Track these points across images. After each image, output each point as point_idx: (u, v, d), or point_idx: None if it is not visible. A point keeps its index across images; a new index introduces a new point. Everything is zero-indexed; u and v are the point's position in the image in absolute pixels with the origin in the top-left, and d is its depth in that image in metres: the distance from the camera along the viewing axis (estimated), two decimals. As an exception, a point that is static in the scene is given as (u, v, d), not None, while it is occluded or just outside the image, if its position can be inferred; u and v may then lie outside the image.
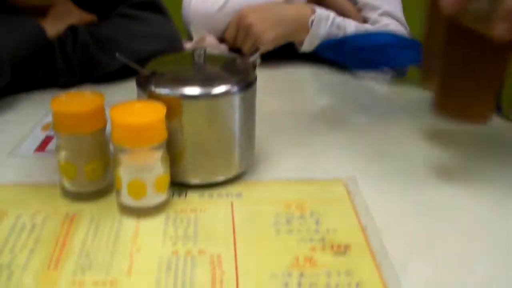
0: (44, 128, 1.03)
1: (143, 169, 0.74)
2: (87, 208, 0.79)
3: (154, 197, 0.76)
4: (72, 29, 1.17)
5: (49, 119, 0.94)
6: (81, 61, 1.17)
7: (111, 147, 0.76)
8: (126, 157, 0.73)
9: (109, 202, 0.80)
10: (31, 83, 1.15)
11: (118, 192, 0.76)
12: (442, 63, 0.81)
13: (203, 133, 0.79)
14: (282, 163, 0.91)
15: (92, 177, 0.79)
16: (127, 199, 0.75)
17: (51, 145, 0.95)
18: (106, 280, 0.66)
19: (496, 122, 1.04)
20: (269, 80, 1.23)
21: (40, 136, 1.00)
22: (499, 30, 0.67)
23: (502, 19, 0.66)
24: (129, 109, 0.74)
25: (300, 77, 1.35)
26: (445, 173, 0.86)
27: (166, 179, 0.76)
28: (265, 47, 1.34)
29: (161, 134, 0.73)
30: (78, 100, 0.79)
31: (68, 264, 0.68)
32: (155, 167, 0.74)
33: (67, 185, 0.80)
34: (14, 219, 0.76)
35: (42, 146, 0.96)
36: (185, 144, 0.79)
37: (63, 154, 0.78)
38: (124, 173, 0.74)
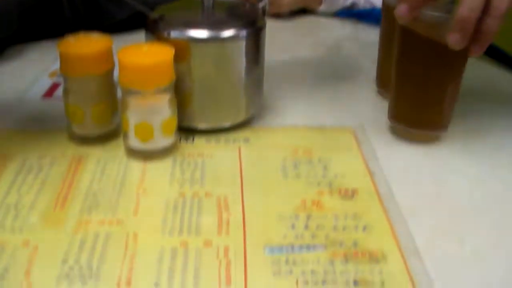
0: (52, 74, 1.03)
1: (150, 111, 0.74)
2: (94, 152, 0.79)
3: (161, 140, 0.76)
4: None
5: (56, 66, 0.93)
6: (89, 10, 1.16)
7: (119, 91, 0.75)
8: (133, 99, 0.73)
9: (116, 146, 0.80)
10: (39, 32, 1.14)
11: (126, 135, 0.76)
12: (396, 72, 0.80)
13: (211, 77, 0.78)
14: (290, 111, 0.91)
15: (99, 120, 0.79)
16: (134, 142, 0.75)
17: (59, 92, 0.94)
18: (112, 219, 0.66)
19: None
20: (280, 30, 1.24)
21: (48, 82, 1.00)
22: (452, 39, 0.68)
23: (454, 28, 0.66)
24: (137, 51, 0.74)
25: (311, 27, 1.33)
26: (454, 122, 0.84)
27: (174, 122, 0.76)
28: (280, 10, 1.31)
29: (169, 76, 0.73)
30: (86, 42, 0.78)
31: (75, 204, 0.68)
32: (162, 109, 0.74)
33: (75, 128, 0.80)
34: (21, 162, 0.76)
35: (49, 92, 0.95)
36: (193, 88, 0.79)
37: (70, 97, 0.77)
38: (132, 116, 0.74)
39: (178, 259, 0.60)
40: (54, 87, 0.98)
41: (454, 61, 0.76)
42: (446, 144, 0.83)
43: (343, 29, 1.33)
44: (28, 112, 0.89)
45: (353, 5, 1.37)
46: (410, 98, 0.80)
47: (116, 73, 0.74)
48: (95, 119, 0.78)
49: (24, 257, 0.60)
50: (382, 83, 0.94)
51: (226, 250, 0.61)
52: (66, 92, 0.77)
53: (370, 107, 0.93)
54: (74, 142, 0.80)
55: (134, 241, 0.63)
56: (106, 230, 0.64)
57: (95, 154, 0.78)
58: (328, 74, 1.06)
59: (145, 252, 0.61)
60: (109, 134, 0.81)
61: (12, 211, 0.67)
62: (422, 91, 0.79)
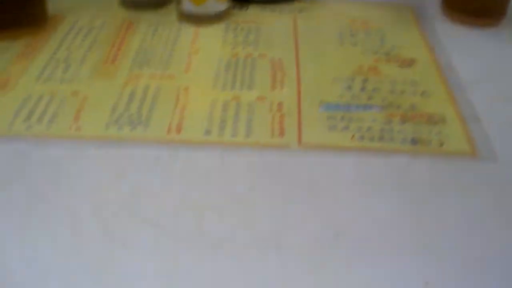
0: None
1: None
2: (146, 16, 0.77)
3: (215, 4, 0.74)
4: None
5: None
6: None
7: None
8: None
9: (168, 12, 0.78)
10: None
11: (179, -1, 0.71)
12: None
13: None
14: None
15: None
16: (188, 5, 0.74)
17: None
18: (163, 74, 0.65)
19: None
20: None
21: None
22: None
23: None
24: None
25: None
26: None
27: (228, -14, 0.72)
28: None
29: None
30: None
31: (126, 60, 0.68)
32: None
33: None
34: (72, 23, 0.75)
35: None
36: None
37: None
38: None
39: (230, 110, 0.59)
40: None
41: None
42: (505, 28, 0.78)
43: None
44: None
45: None
46: None
47: None
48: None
49: (74, 105, 0.60)
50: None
51: (280, 105, 0.60)
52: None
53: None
54: (126, 7, 0.79)
55: (185, 94, 0.62)
56: (157, 83, 0.63)
57: (146, 18, 0.76)
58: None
59: (196, 104, 0.60)
60: (160, 0, 0.79)
61: (62, 65, 0.66)
62: None
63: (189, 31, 0.73)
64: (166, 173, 0.52)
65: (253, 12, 0.78)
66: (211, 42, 0.70)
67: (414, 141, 0.55)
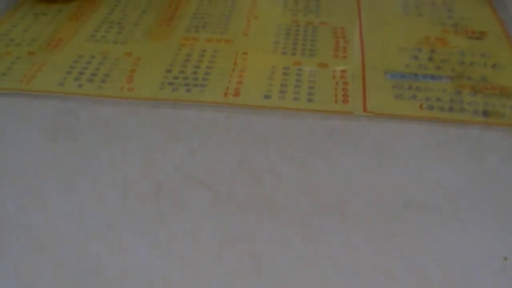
0: None
1: None
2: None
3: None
4: None
5: None
6: None
7: None
8: None
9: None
10: None
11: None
12: None
13: None
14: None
15: None
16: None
17: None
18: (221, 38, 0.62)
19: None
20: None
21: None
22: None
23: None
24: None
25: None
26: None
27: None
28: None
29: None
30: None
31: (181, 23, 0.65)
32: None
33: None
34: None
35: None
36: None
37: None
38: None
39: (291, 76, 0.56)
40: None
41: None
42: None
43: None
44: None
45: None
46: None
47: None
48: None
49: (127, 66, 0.58)
50: None
51: (344, 72, 0.57)
52: None
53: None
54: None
55: (244, 58, 0.59)
56: (214, 46, 0.61)
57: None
58: None
59: (256, 68, 0.57)
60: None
61: (115, 27, 0.64)
62: None
63: (247, -4, 0.68)
64: (223, 135, 0.49)
65: (314, -19, 0.72)
66: (270, 7, 0.68)
67: (486, 114, 0.52)
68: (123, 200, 0.42)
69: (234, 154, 0.46)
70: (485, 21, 0.66)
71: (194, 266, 0.38)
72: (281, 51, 0.59)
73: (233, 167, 0.45)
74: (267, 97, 0.52)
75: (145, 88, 0.54)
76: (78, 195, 0.43)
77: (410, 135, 0.49)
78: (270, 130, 0.49)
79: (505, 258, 0.38)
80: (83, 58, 0.58)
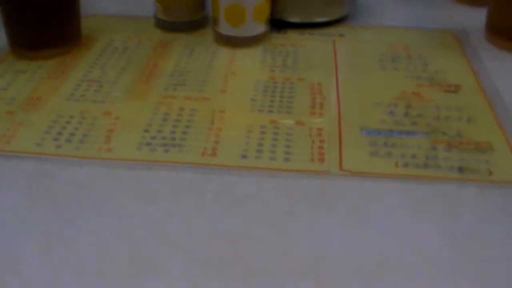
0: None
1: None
2: (181, 37, 0.76)
3: (253, 27, 0.72)
4: None
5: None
6: None
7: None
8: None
9: (205, 33, 0.77)
10: None
11: (215, 20, 0.73)
12: None
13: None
14: (387, 12, 0.86)
15: (188, 5, 0.77)
16: (225, 27, 0.72)
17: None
18: (198, 96, 0.63)
19: None
20: None
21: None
22: None
23: None
24: None
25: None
26: None
27: (267, 8, 0.72)
28: None
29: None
30: None
31: (160, 81, 0.66)
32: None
33: (162, 15, 0.77)
34: (106, 43, 0.74)
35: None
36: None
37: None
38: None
39: (268, 135, 0.57)
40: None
41: None
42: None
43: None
44: None
45: None
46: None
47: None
48: (183, 3, 0.76)
49: (105, 125, 0.58)
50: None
51: (320, 130, 0.58)
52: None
53: (471, 12, 0.86)
54: (161, 28, 0.78)
55: (221, 117, 0.59)
56: (192, 105, 0.61)
57: (182, 40, 0.75)
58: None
59: (232, 127, 0.58)
60: (197, 22, 0.78)
61: (94, 86, 0.65)
62: None
63: (225, 53, 0.71)
64: (200, 198, 0.49)
65: (291, 36, 0.76)
66: (248, 64, 0.68)
67: (461, 170, 0.52)
68: (97, 264, 0.42)
69: (210, 217, 0.47)
70: (460, 73, 0.68)
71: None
72: (258, 109, 0.60)
73: (209, 230, 0.45)
74: (244, 156, 0.53)
75: (123, 149, 0.54)
76: (53, 259, 0.43)
77: (385, 194, 0.50)
78: (246, 191, 0.50)
79: None
80: (62, 118, 0.59)
